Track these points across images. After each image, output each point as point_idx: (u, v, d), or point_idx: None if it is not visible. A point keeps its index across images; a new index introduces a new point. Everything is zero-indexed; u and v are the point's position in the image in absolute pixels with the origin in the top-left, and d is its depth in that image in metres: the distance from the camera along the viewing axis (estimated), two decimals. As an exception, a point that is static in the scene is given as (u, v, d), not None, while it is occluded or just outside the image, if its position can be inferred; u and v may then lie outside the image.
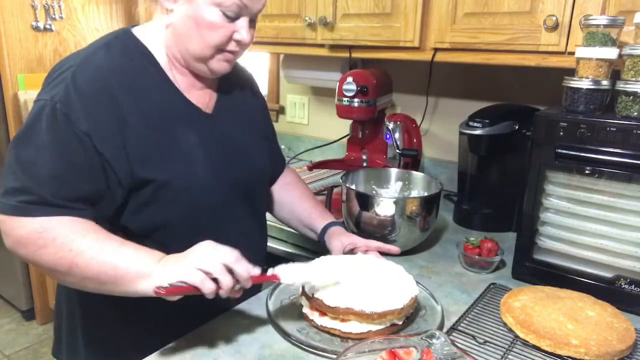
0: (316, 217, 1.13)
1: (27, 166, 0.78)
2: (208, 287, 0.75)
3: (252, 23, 0.90)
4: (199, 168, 0.90)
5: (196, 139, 0.90)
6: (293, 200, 1.16)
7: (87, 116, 0.79)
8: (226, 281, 0.76)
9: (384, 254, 1.08)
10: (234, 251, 0.79)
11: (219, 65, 0.90)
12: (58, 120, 0.78)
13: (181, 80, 0.91)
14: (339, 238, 1.07)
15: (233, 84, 1.02)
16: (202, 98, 0.95)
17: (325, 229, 1.10)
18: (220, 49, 0.87)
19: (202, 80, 0.94)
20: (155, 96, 0.87)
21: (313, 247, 1.32)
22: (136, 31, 0.90)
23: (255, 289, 1.01)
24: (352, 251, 1.07)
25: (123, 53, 0.86)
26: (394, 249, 1.10)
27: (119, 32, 0.90)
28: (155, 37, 0.90)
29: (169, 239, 0.87)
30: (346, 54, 1.57)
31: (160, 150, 0.86)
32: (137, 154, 0.83)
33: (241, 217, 0.99)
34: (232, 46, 0.88)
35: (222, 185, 0.93)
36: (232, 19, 0.85)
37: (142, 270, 0.77)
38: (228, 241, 0.81)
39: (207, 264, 0.76)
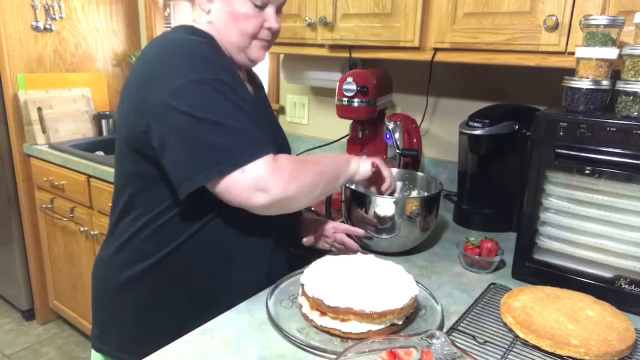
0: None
1: (239, 120, 0.87)
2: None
3: (279, 13, 1.03)
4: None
5: (263, 125, 1.00)
6: None
7: (234, 80, 0.93)
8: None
9: (383, 253, 1.08)
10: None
11: (257, 52, 1.02)
12: (226, 85, 0.88)
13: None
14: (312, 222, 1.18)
15: (255, 83, 1.14)
16: (249, 89, 1.07)
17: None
18: (254, 37, 1.00)
19: (243, 74, 1.08)
20: (240, 83, 1.00)
21: (312, 247, 1.32)
22: (201, 27, 0.99)
23: (255, 289, 1.02)
24: (321, 233, 1.17)
25: (210, 46, 0.95)
26: (359, 230, 1.17)
27: (184, 26, 0.98)
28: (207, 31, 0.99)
29: (226, 222, 0.96)
30: (346, 54, 1.57)
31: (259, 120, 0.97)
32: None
33: None
34: (264, 34, 1.01)
35: None
36: (261, 7, 0.98)
37: (344, 158, 1.06)
38: (279, 224, 1.00)
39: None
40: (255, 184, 0.85)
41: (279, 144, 1.08)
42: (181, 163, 0.86)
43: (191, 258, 0.96)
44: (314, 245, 1.18)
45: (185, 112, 0.84)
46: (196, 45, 0.91)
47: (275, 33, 1.03)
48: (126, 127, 0.93)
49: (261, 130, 0.90)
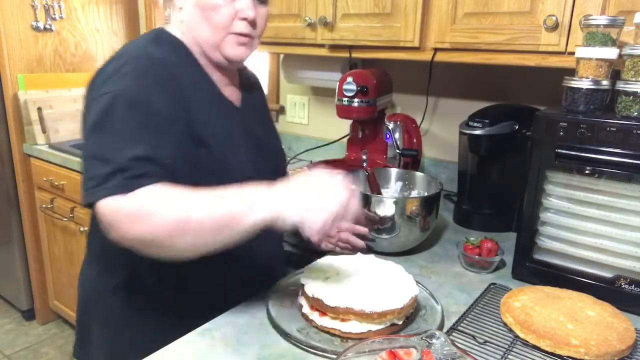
0: None
1: (113, 147, 0.78)
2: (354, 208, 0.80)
3: (263, 3, 0.94)
4: (245, 161, 0.95)
5: (238, 131, 0.96)
6: None
7: (159, 100, 0.82)
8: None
9: (383, 253, 1.08)
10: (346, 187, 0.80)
11: (233, 49, 0.92)
12: (139, 104, 0.80)
13: (214, 75, 0.96)
14: None
15: (251, 85, 1.08)
16: (231, 94, 0.99)
17: None
18: (228, 31, 0.90)
19: (228, 77, 0.99)
20: (203, 89, 0.92)
21: (312, 247, 1.32)
22: (171, 31, 0.94)
23: (254, 289, 1.01)
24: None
25: (172, 49, 0.91)
26: (363, 229, 1.13)
27: (157, 31, 0.95)
28: (181, 35, 0.94)
29: None
30: (346, 54, 1.57)
31: (217, 135, 0.91)
32: (198, 135, 0.88)
33: None
34: (240, 26, 0.90)
35: (258, 179, 0.94)
36: None
37: (252, 199, 0.77)
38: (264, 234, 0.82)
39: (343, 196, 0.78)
40: (101, 218, 0.78)
41: (262, 157, 1.00)
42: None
43: (162, 271, 0.89)
44: (317, 245, 1.16)
45: (86, 126, 0.83)
46: (136, 57, 0.86)
47: (254, 24, 0.92)
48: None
49: (151, 156, 0.78)
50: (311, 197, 0.77)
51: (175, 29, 0.95)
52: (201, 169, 0.88)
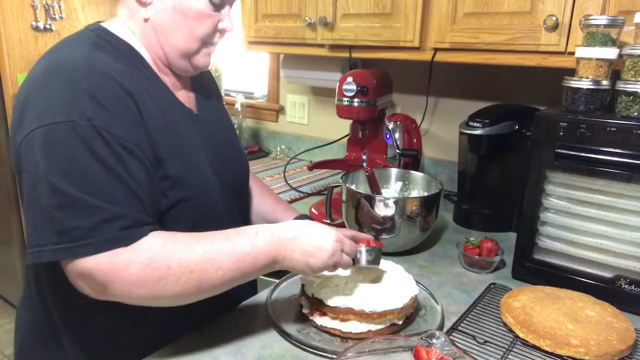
0: (281, 212, 1.12)
1: (97, 193, 0.68)
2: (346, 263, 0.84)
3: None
4: (206, 168, 0.88)
5: (196, 139, 0.88)
6: (253, 196, 1.13)
7: (124, 126, 0.72)
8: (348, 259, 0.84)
9: (383, 253, 1.07)
10: (339, 233, 0.84)
11: (204, 60, 0.86)
12: (103, 138, 0.69)
13: (167, 81, 0.87)
14: None
15: (202, 83, 0.98)
16: (186, 98, 0.91)
17: None
18: (205, 42, 0.84)
19: (180, 80, 0.90)
20: (155, 98, 0.81)
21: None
22: (112, 29, 0.82)
23: (254, 289, 1.01)
24: None
25: (116, 54, 0.78)
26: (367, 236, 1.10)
27: (94, 30, 0.81)
28: (132, 34, 0.83)
29: None
30: (346, 54, 1.57)
31: (173, 152, 0.81)
32: (157, 156, 0.78)
33: (236, 218, 0.96)
34: (216, 38, 0.86)
35: (220, 186, 0.92)
36: (218, 6, 0.82)
37: (270, 262, 0.78)
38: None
39: (344, 246, 0.82)
40: (85, 276, 0.68)
41: (225, 166, 0.93)
42: (27, 224, 0.71)
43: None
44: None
45: (31, 168, 0.69)
46: (85, 71, 0.71)
47: (224, 37, 0.87)
48: (12, 164, 0.78)
49: (136, 202, 0.71)
50: (309, 250, 0.79)
51: (121, 27, 0.83)
52: (163, 188, 0.79)
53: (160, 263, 0.70)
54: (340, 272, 0.90)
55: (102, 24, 0.83)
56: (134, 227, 0.70)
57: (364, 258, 0.87)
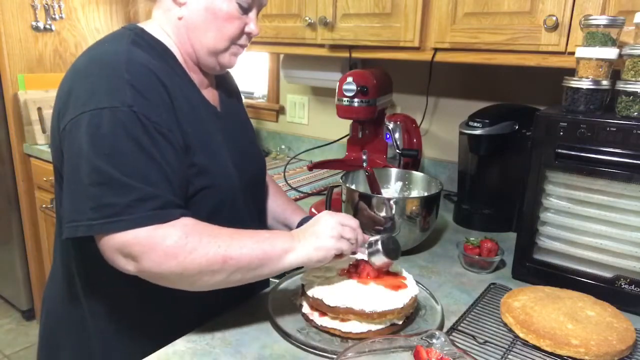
0: (290, 213, 1.15)
1: (133, 174, 0.73)
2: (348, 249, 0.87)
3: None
4: (229, 165, 0.92)
5: (220, 135, 0.92)
6: (267, 194, 1.17)
7: (161, 114, 0.78)
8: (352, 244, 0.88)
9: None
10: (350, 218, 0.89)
11: (230, 59, 0.92)
12: (142, 123, 0.75)
13: (195, 78, 0.92)
14: None
15: (225, 83, 1.04)
16: (211, 96, 0.96)
17: (302, 223, 1.09)
18: (233, 42, 0.90)
19: (207, 78, 0.96)
20: (185, 93, 0.86)
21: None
22: (148, 29, 0.88)
23: (254, 289, 1.01)
24: None
25: (151, 52, 0.85)
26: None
27: (131, 30, 0.87)
28: (165, 34, 0.89)
29: None
30: (346, 54, 1.57)
31: (201, 143, 0.86)
32: (186, 144, 0.83)
33: (252, 211, 1.01)
34: (243, 40, 0.92)
35: (239, 180, 0.95)
36: (246, 10, 0.89)
37: (286, 246, 0.82)
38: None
39: (344, 233, 0.86)
40: (122, 249, 0.74)
41: (245, 163, 0.98)
42: (66, 201, 0.77)
43: (147, 292, 0.84)
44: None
45: (74, 149, 0.75)
46: (126, 63, 0.78)
47: (250, 39, 0.94)
48: (52, 147, 0.86)
49: (169, 185, 0.76)
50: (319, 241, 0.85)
51: (156, 28, 0.89)
52: (190, 175, 0.84)
53: (194, 237, 0.76)
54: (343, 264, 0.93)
55: (139, 25, 0.90)
56: (165, 208, 0.75)
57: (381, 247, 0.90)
